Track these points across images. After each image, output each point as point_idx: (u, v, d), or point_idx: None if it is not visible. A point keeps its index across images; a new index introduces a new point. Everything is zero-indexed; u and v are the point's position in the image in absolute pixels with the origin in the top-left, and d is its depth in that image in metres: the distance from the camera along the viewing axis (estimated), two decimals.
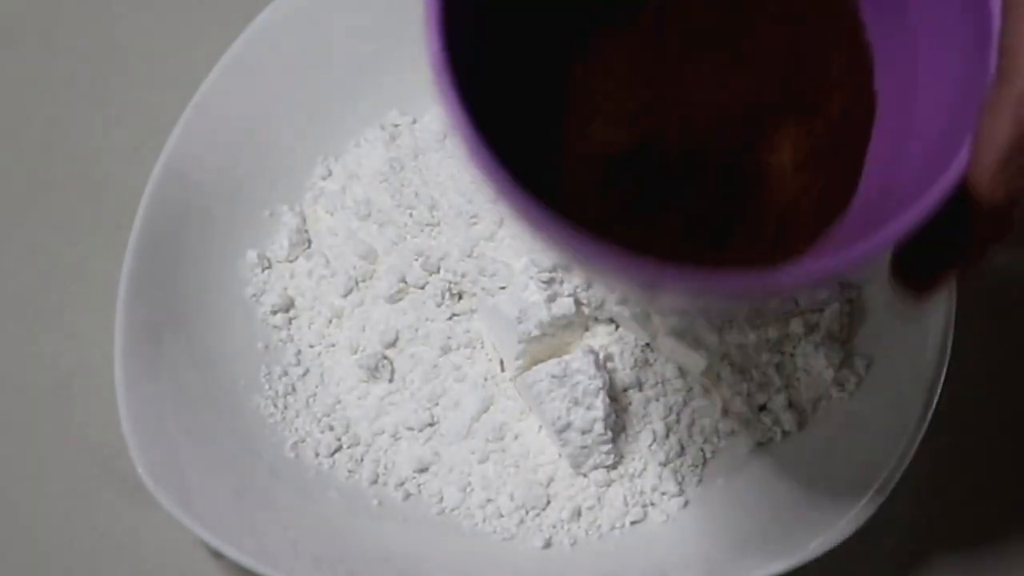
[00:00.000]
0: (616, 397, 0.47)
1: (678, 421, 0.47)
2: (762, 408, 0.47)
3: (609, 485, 0.46)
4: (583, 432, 0.45)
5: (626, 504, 0.46)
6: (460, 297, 0.49)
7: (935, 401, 0.43)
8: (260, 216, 0.52)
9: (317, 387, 0.49)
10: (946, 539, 0.46)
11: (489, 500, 0.47)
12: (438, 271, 0.49)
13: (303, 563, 0.44)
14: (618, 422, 0.46)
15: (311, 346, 0.50)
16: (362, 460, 0.48)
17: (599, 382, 0.45)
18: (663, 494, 0.46)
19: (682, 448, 0.47)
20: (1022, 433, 0.48)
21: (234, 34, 0.53)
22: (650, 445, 0.47)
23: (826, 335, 0.48)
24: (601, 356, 0.46)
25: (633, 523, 0.46)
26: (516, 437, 0.47)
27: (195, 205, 0.50)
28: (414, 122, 0.54)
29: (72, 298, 0.53)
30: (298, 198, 0.53)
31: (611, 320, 0.48)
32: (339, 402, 0.49)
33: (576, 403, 0.45)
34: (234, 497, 0.44)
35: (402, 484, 0.47)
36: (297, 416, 0.49)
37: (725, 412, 0.47)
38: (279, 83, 0.53)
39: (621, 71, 0.35)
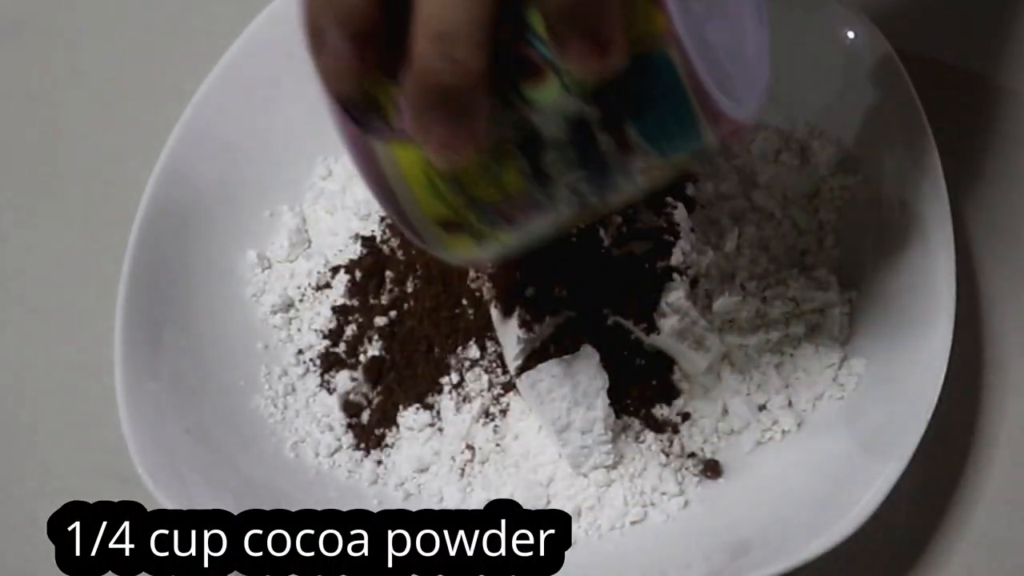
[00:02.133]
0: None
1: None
2: (762, 408, 0.47)
3: (609, 485, 0.46)
4: (583, 432, 0.45)
5: (626, 504, 0.46)
6: None
7: (935, 401, 0.43)
8: (260, 216, 0.52)
9: (317, 387, 0.49)
10: (946, 539, 0.46)
11: (489, 500, 0.47)
12: None
13: None
14: (618, 422, 0.46)
15: (311, 346, 0.50)
16: (362, 460, 0.48)
17: (599, 382, 0.45)
18: (663, 494, 0.46)
19: (682, 448, 0.47)
20: (1023, 433, 0.48)
21: (234, 34, 0.53)
22: (650, 445, 0.47)
23: (826, 336, 0.48)
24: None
25: (633, 523, 0.46)
26: (516, 437, 0.47)
27: (195, 205, 0.50)
28: None
29: (72, 298, 0.53)
30: (298, 198, 0.53)
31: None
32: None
33: (576, 403, 0.45)
34: (234, 497, 0.44)
35: (402, 484, 0.47)
36: (297, 416, 0.49)
37: (725, 412, 0.47)
38: (279, 83, 0.53)
39: None
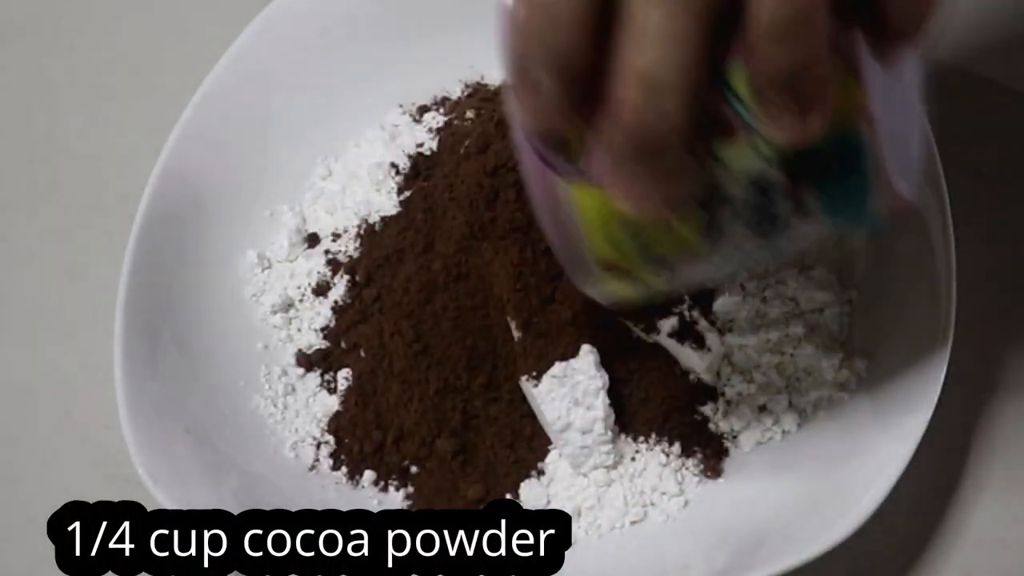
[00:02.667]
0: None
1: None
2: (762, 408, 0.47)
3: (609, 485, 0.46)
4: (583, 432, 0.45)
5: (626, 504, 0.46)
6: None
7: (935, 401, 0.43)
8: (260, 216, 0.52)
9: (317, 387, 0.49)
10: (946, 539, 0.46)
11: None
12: None
13: None
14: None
15: (311, 346, 0.50)
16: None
17: (599, 382, 0.45)
18: (663, 494, 0.46)
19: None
20: (1023, 433, 0.48)
21: (234, 34, 0.53)
22: (651, 445, 0.47)
23: (826, 336, 0.48)
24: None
25: (633, 523, 0.46)
26: None
27: (195, 205, 0.50)
28: (414, 122, 0.54)
29: (72, 298, 0.53)
30: (298, 198, 0.53)
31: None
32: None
33: (576, 403, 0.45)
34: (234, 497, 0.44)
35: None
36: (297, 416, 0.49)
37: (725, 413, 0.47)
38: (279, 83, 0.53)
39: None
